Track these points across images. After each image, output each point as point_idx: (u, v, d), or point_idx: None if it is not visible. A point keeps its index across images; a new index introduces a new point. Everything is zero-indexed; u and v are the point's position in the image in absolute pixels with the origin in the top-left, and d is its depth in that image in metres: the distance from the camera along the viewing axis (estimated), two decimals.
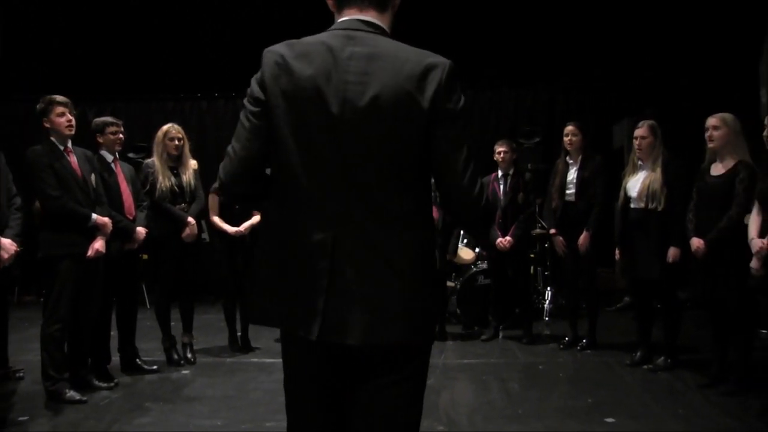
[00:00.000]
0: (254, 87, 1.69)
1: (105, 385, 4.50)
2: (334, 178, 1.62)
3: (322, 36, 1.69)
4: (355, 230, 1.62)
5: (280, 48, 1.68)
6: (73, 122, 4.25)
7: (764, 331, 4.38)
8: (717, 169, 4.28)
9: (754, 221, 3.88)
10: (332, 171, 1.62)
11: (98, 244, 4.23)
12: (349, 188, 1.62)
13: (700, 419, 3.83)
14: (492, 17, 7.97)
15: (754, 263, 3.78)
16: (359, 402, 1.72)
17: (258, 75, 1.69)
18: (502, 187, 5.84)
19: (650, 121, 4.83)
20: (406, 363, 1.70)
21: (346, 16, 1.71)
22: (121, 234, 4.58)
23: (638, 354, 4.98)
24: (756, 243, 3.77)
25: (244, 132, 1.70)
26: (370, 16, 1.70)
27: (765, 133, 3.81)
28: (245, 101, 1.72)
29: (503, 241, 5.71)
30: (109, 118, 4.85)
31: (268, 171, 1.78)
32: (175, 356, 5.18)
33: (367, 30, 1.68)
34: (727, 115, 4.25)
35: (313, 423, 1.78)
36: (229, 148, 1.72)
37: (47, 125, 4.19)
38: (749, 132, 4.22)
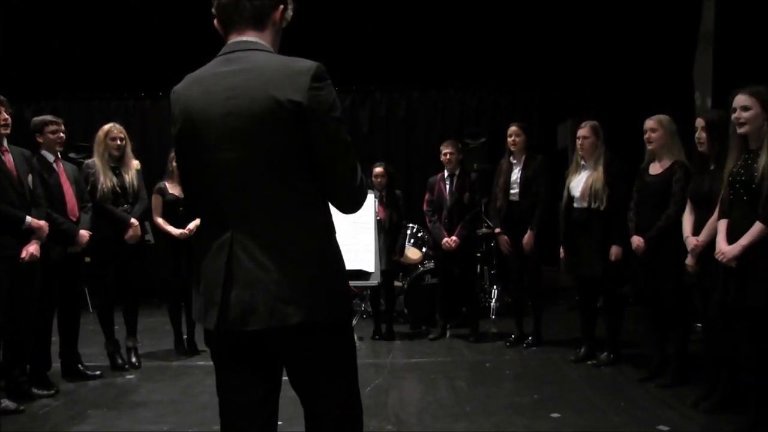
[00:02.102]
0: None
1: (44, 392, 4.37)
2: (229, 185, 1.81)
3: (209, 63, 1.90)
4: (251, 227, 1.80)
5: (178, 85, 1.92)
6: (9, 121, 4.11)
7: (699, 325, 4.53)
8: (655, 169, 4.41)
9: (687, 219, 4.01)
10: (226, 179, 1.81)
11: (33, 247, 4.07)
12: (240, 191, 1.80)
13: (640, 411, 3.95)
14: (438, 20, 8.03)
15: (689, 260, 3.90)
16: (294, 384, 1.90)
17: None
18: (448, 187, 5.89)
19: (593, 122, 4.94)
20: (323, 344, 1.85)
21: (230, 40, 1.90)
22: (63, 237, 4.46)
23: (582, 350, 5.09)
24: (690, 241, 3.89)
25: None
26: (248, 36, 1.89)
27: (697, 135, 3.94)
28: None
29: (449, 240, 5.77)
30: (48, 117, 4.70)
31: None
32: (119, 361, 5.07)
33: (243, 49, 1.86)
34: (663, 117, 4.39)
35: (242, 415, 1.91)
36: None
37: None
38: (684, 133, 4.36)
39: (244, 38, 1.89)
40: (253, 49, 1.86)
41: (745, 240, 3.30)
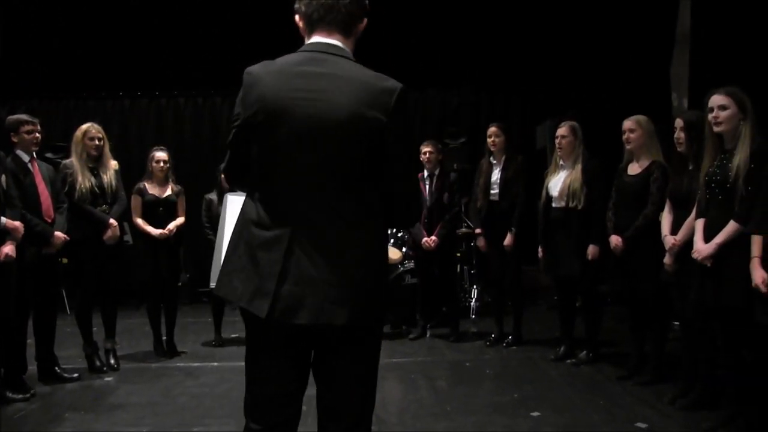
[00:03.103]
0: (237, 102, 1.93)
1: (20, 396, 4.29)
2: (294, 183, 1.86)
3: (291, 56, 1.92)
4: (310, 227, 1.86)
5: (255, 67, 1.91)
6: None
7: (677, 323, 4.58)
8: (633, 169, 4.46)
9: (665, 219, 4.05)
10: (292, 177, 1.86)
11: (8, 248, 3.99)
12: (306, 192, 1.86)
13: (619, 409, 3.98)
14: (419, 19, 8.04)
15: (666, 259, 3.95)
16: (321, 377, 1.99)
17: (240, 93, 1.91)
18: (427, 187, 5.90)
19: (571, 122, 4.98)
20: (357, 344, 1.94)
21: (314, 39, 1.94)
22: (38, 238, 4.40)
23: (561, 349, 5.13)
24: (668, 240, 3.94)
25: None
26: (335, 40, 1.93)
27: (676, 135, 3.98)
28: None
29: (428, 240, 5.78)
30: (23, 116, 4.62)
31: None
32: (98, 363, 5.02)
33: (330, 52, 1.90)
34: (641, 118, 4.43)
35: (272, 391, 1.97)
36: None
37: None
38: (661, 133, 4.41)
39: (331, 41, 1.93)
40: (340, 55, 1.91)
41: (719, 239, 3.35)
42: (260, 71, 1.89)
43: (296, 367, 1.96)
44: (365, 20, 2.00)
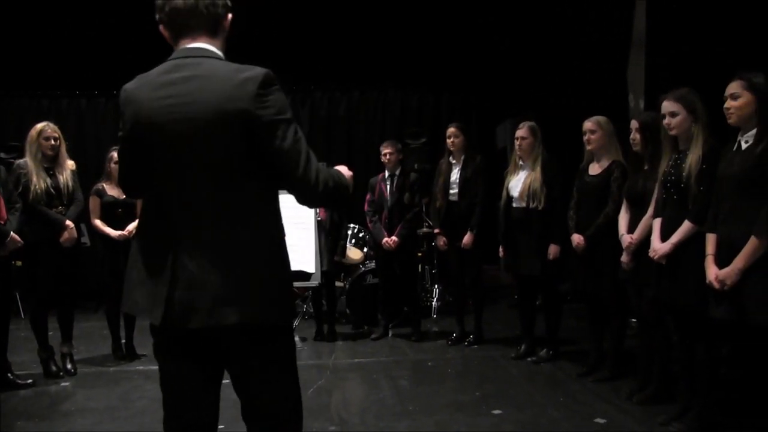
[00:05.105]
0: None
1: None
2: (175, 189, 1.86)
3: (161, 66, 1.93)
4: (196, 230, 1.85)
5: (129, 84, 1.94)
6: None
7: (634, 320, 4.67)
8: (594, 169, 4.52)
9: (622, 218, 4.13)
10: (174, 182, 1.86)
11: None
12: (189, 196, 1.85)
13: (578, 405, 4.05)
14: (379, 21, 8.04)
15: (623, 257, 4.02)
16: (235, 383, 1.96)
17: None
18: (388, 187, 5.92)
19: (530, 123, 5.03)
20: (264, 344, 1.91)
21: (180, 45, 1.94)
22: None
23: (522, 347, 5.18)
24: (625, 239, 4.01)
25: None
26: (202, 43, 1.93)
27: (632, 136, 4.06)
28: None
29: (389, 240, 5.79)
30: None
31: None
32: (53, 368, 4.90)
33: (197, 55, 1.90)
34: (601, 119, 4.50)
35: (183, 405, 1.97)
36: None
37: None
38: (619, 134, 4.48)
39: (198, 44, 1.93)
40: (206, 56, 1.91)
41: (674, 238, 3.43)
42: (132, 87, 1.92)
43: (200, 366, 1.94)
44: (229, 14, 1.99)
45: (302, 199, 1.95)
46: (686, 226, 3.38)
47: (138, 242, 1.97)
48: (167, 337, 1.92)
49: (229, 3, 2.00)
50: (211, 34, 1.94)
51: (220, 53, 1.95)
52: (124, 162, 2.02)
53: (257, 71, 1.84)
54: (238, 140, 1.82)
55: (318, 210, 5.77)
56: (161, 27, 1.97)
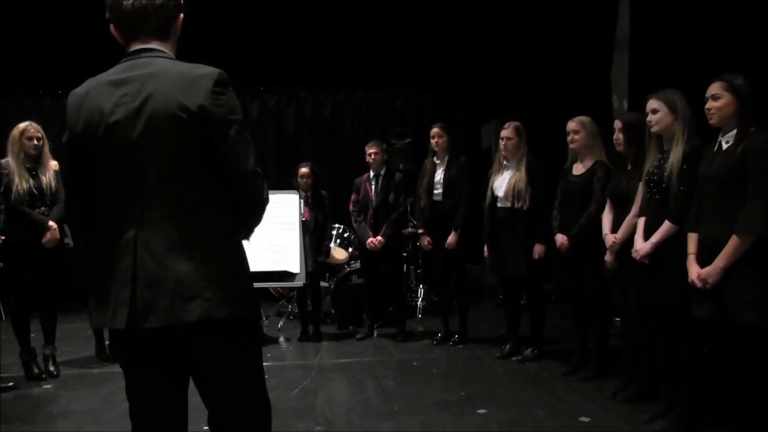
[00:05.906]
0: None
1: None
2: (131, 188, 1.85)
3: (113, 68, 1.93)
4: (154, 227, 1.84)
5: (77, 89, 1.94)
6: None
7: (618, 319, 4.70)
8: (578, 169, 4.54)
9: (606, 217, 4.15)
10: (130, 180, 1.85)
11: None
12: (144, 193, 1.84)
13: (563, 404, 4.06)
14: (363, 21, 8.04)
15: (607, 257, 4.04)
16: (198, 383, 1.96)
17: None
18: (373, 187, 5.91)
19: (515, 123, 5.05)
20: (226, 342, 1.90)
21: (132, 48, 1.94)
22: None
23: (507, 347, 5.20)
24: (609, 238, 4.03)
25: None
26: (152, 44, 1.94)
27: (615, 136, 4.08)
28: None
29: (373, 241, 5.79)
30: None
31: None
32: (36, 370, 4.84)
33: (146, 56, 1.91)
34: (585, 119, 4.52)
35: (149, 414, 1.97)
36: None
37: None
38: (602, 134, 4.51)
39: (149, 46, 1.93)
40: (158, 56, 1.92)
41: (655, 238, 3.47)
42: (82, 90, 1.92)
43: (166, 373, 1.94)
44: (181, 15, 1.99)
45: (243, 202, 1.94)
46: (666, 225, 3.42)
47: (95, 257, 1.94)
48: (130, 341, 1.91)
49: (182, 2, 1.99)
50: (162, 36, 1.95)
51: (171, 54, 1.96)
52: (73, 165, 1.97)
53: (212, 69, 1.87)
54: (193, 136, 1.82)
55: (303, 210, 5.76)
56: (111, 27, 1.96)
